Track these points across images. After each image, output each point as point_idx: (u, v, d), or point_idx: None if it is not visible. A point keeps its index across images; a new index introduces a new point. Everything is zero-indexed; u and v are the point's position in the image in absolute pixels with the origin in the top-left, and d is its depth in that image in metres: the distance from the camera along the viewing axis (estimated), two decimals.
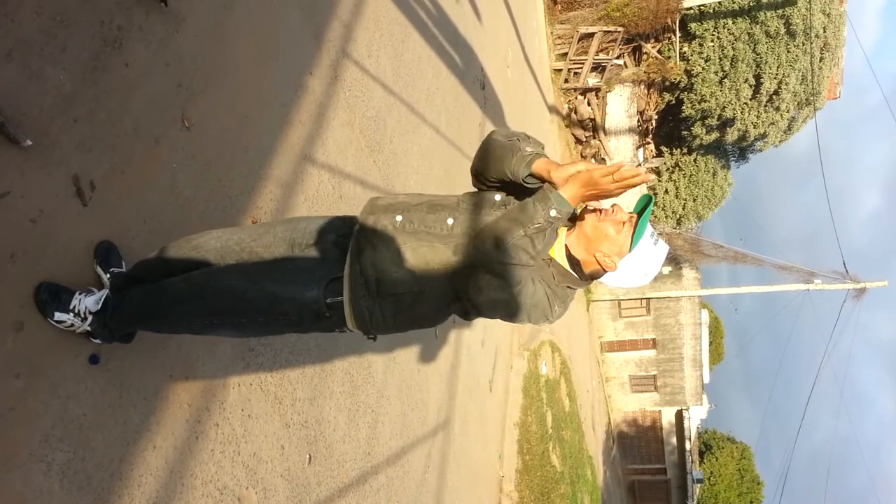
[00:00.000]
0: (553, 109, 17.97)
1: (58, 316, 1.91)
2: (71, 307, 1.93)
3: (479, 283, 1.78)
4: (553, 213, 1.72)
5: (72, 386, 2.01)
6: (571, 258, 1.92)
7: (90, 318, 1.96)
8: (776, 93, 19.86)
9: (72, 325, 1.95)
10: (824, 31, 19.85)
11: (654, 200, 1.89)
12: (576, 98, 19.71)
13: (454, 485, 6.04)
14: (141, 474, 2.24)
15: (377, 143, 4.82)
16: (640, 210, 1.88)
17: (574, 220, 1.94)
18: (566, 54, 18.34)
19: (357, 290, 1.88)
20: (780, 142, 22.64)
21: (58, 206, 2.02)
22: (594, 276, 1.95)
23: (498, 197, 1.98)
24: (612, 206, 1.89)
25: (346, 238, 1.99)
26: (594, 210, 1.91)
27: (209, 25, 2.92)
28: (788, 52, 19.12)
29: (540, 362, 11.66)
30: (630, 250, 1.85)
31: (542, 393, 11.16)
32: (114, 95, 2.29)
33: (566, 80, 18.96)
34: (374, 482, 4.22)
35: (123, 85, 2.35)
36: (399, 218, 1.93)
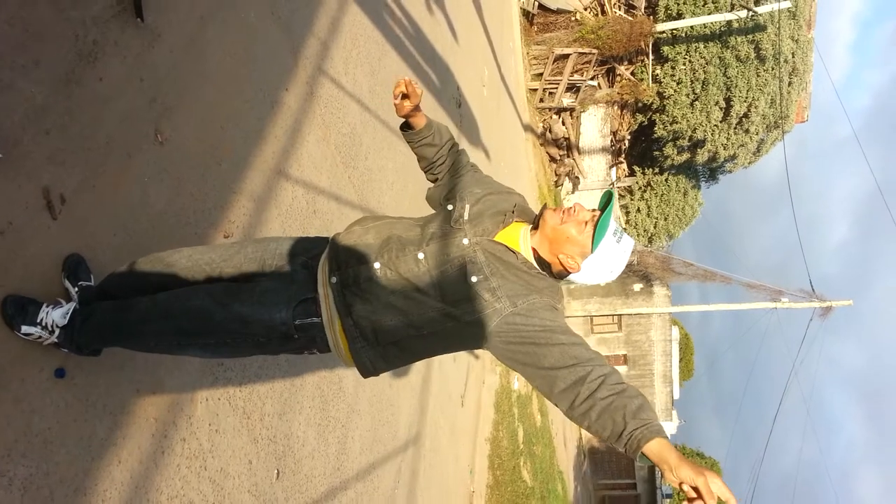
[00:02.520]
0: (528, 128, 18.17)
1: (25, 329, 1.91)
2: (38, 320, 1.93)
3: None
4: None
5: (36, 400, 2.00)
6: (540, 260, 1.90)
7: (57, 331, 1.95)
8: (746, 115, 20.36)
9: (40, 337, 1.94)
10: (793, 57, 20.43)
11: (615, 196, 1.85)
12: (550, 117, 19.97)
13: (424, 500, 6.03)
14: (105, 489, 2.22)
15: (352, 159, 4.86)
16: (603, 207, 1.86)
17: (537, 221, 1.92)
18: (542, 74, 18.61)
19: (356, 342, 1.86)
20: (749, 163, 23.18)
21: (27, 218, 2.02)
22: (560, 276, 1.92)
23: (450, 208, 1.98)
24: (574, 204, 1.87)
25: (314, 259, 1.99)
26: (555, 210, 1.88)
27: (185, 41, 2.94)
28: (758, 76, 19.63)
29: (512, 378, 11.70)
30: (593, 251, 1.83)
31: (513, 408, 11.20)
32: (87, 109, 2.30)
33: (541, 100, 19.22)
34: (343, 498, 4.20)
35: (97, 99, 2.36)
36: (377, 266, 1.89)
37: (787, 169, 18.08)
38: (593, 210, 1.87)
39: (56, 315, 1.95)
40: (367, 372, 1.92)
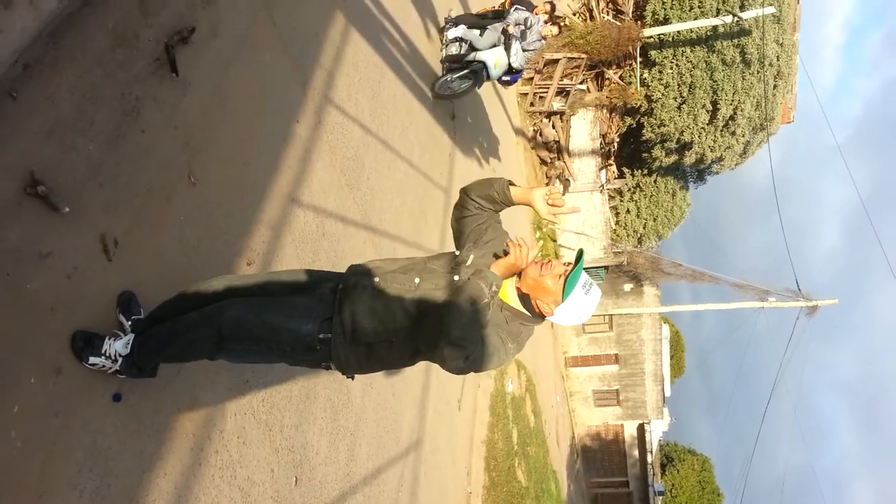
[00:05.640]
0: (519, 132, 18.47)
1: (92, 360, 2.19)
2: (103, 351, 2.21)
3: (451, 335, 2.06)
4: (494, 287, 2.14)
5: (99, 421, 2.28)
6: (523, 298, 2.28)
7: (120, 360, 2.24)
8: (732, 118, 20.72)
9: (104, 366, 2.23)
10: (777, 60, 20.81)
11: (583, 254, 2.27)
12: (541, 121, 20.28)
13: (425, 502, 6.32)
14: (154, 499, 2.51)
15: (356, 181, 5.14)
16: (576, 262, 2.23)
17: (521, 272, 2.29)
18: (532, 79, 18.89)
19: (337, 337, 2.22)
20: (735, 165, 23.56)
21: (88, 262, 2.30)
22: (541, 316, 2.31)
23: (458, 253, 2.36)
24: (550, 259, 2.27)
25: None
26: (536, 263, 2.25)
27: (211, 86, 3.22)
28: (744, 79, 20.00)
29: (506, 380, 12.00)
30: (563, 300, 2.20)
31: (508, 410, 11.50)
32: (132, 160, 2.58)
33: (532, 104, 19.51)
34: (353, 501, 4.49)
35: (140, 150, 2.64)
36: (377, 279, 2.29)
37: (773, 168, 18.50)
38: (566, 264, 2.25)
39: (118, 346, 2.24)
40: (340, 364, 2.27)
